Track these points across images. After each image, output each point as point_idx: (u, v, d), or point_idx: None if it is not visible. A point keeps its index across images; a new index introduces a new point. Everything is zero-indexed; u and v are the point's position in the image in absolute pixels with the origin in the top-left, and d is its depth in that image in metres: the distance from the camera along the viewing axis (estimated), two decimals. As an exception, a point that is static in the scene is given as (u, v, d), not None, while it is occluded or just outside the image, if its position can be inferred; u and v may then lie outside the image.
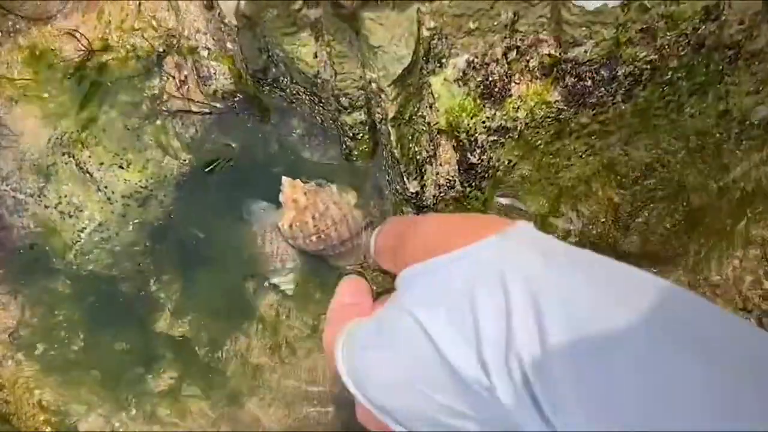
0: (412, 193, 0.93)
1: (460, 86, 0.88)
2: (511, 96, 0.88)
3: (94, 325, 1.14)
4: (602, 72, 0.85)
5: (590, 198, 0.97)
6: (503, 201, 0.98)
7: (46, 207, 1.09)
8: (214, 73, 1.02)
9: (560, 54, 0.85)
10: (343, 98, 0.92)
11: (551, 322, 0.44)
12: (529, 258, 0.50)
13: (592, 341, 0.41)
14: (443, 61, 0.87)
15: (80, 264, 1.10)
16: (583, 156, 0.94)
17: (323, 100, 0.97)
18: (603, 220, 0.99)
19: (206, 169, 1.09)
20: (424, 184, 0.94)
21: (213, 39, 1.01)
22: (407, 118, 0.89)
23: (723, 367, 0.37)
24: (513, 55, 0.86)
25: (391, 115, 0.86)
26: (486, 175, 0.93)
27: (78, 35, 1.03)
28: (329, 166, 1.08)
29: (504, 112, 0.89)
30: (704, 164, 0.96)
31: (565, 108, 0.88)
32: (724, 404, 0.36)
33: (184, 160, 1.09)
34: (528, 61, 0.87)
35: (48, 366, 1.15)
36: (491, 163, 0.92)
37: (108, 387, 1.16)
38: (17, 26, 1.04)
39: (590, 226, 0.99)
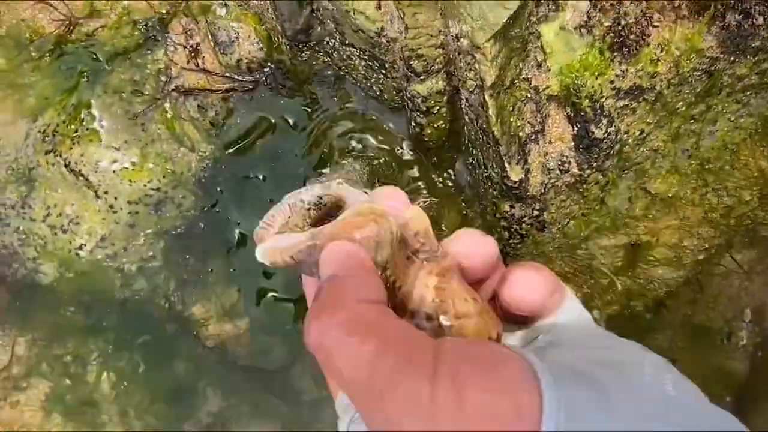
0: (515, 182, 0.71)
1: (581, 35, 0.65)
2: (649, 45, 0.65)
3: (108, 358, 0.92)
4: (775, 4, 0.62)
5: (735, 172, 0.76)
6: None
7: (33, 220, 0.86)
8: (236, 38, 0.79)
9: (722, -18, 0.62)
10: (416, 61, 0.69)
11: None
12: None
13: None
14: (559, 1, 0.64)
15: (81, 288, 0.88)
16: (734, 118, 0.72)
17: (387, 66, 0.74)
18: (748, 198, 0.77)
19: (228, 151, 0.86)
20: (529, 169, 0.72)
21: (232, -8, 0.77)
22: (508, 84, 0.66)
23: None
24: (654, -13, 0.63)
25: (490, 80, 0.64)
26: (610, 152, 0.71)
27: (52, 0, 0.79)
28: (389, 149, 0.86)
29: (639, 67, 0.66)
30: None
31: (721, 56, 0.65)
32: None
33: (204, 152, 0.86)
34: (674, -5, 0.64)
35: (55, 408, 0.94)
36: (618, 137, 0.70)
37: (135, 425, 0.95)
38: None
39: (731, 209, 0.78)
